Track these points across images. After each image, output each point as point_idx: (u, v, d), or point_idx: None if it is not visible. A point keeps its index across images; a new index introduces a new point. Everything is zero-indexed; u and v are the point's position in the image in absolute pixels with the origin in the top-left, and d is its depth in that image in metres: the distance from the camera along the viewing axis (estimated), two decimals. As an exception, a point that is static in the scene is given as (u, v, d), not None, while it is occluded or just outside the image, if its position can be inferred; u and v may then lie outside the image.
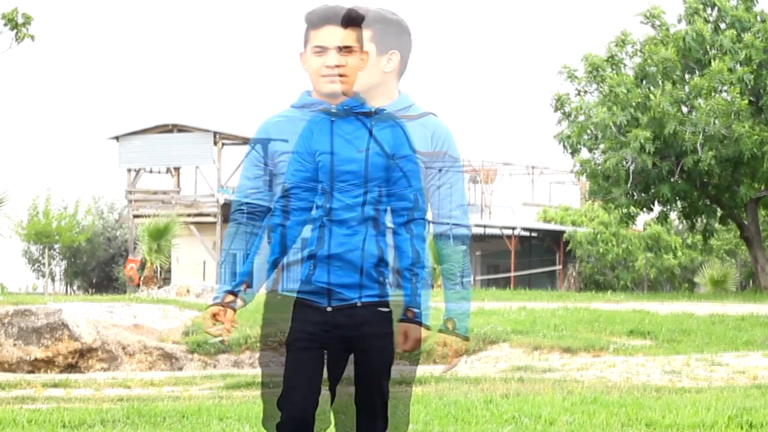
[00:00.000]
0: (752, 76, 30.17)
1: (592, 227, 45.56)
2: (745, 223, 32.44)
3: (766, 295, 29.53)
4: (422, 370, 13.11)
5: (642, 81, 31.10)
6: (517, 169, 54.55)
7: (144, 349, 17.87)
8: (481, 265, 50.04)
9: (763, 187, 31.87)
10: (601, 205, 35.64)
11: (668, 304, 24.50)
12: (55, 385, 12.52)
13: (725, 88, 30.15)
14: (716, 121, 29.33)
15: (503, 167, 53.96)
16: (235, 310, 4.20)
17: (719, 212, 32.93)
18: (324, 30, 4.44)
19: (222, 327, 4.22)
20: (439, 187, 4.31)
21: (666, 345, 16.70)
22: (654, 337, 17.42)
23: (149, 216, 38.52)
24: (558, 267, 47.71)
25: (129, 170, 46.53)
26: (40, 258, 51.84)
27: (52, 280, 53.28)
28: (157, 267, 33.38)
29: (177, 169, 47.08)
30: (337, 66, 4.37)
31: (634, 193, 31.36)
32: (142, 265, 35.21)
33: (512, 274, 45.80)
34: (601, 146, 30.93)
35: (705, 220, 33.99)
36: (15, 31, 17.14)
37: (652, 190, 31.33)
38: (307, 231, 4.20)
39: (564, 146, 31.71)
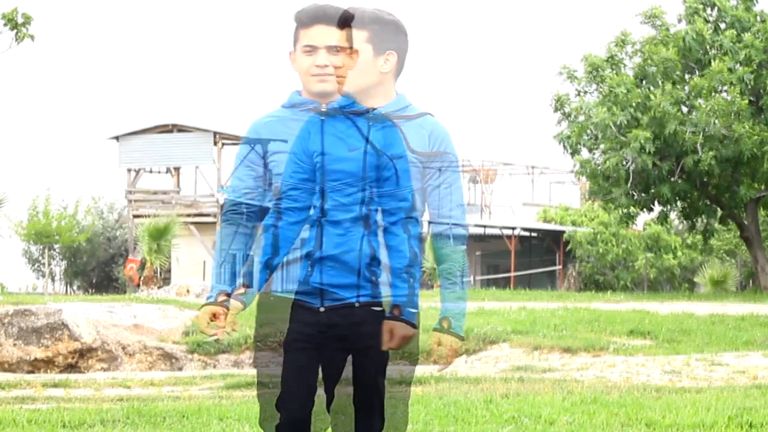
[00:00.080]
0: (752, 76, 30.16)
1: (592, 227, 45.56)
2: (745, 223, 32.44)
3: (766, 295, 29.53)
4: (422, 370, 13.12)
5: (642, 81, 31.10)
6: (517, 169, 54.57)
7: (144, 349, 17.87)
8: (481, 265, 50.03)
9: (763, 187, 31.86)
10: (601, 205, 35.64)
11: (668, 304, 24.50)
12: (55, 385, 12.52)
13: (725, 88, 30.15)
14: (716, 121, 29.33)
15: (503, 167, 53.97)
16: (228, 309, 4.21)
17: (719, 212, 32.92)
18: (314, 29, 4.44)
19: (219, 328, 4.23)
20: (436, 187, 4.32)
21: (666, 345, 16.70)
22: (654, 337, 17.42)
23: (149, 216, 38.53)
24: (558, 267, 47.71)
25: (129, 170, 46.54)
26: (40, 258, 51.85)
27: (52, 280, 53.29)
28: (157, 267, 33.37)
29: (177, 169, 47.09)
30: (327, 65, 4.38)
31: (634, 193, 31.35)
32: (142, 265, 35.20)
33: (512, 274, 45.80)
34: (601, 146, 30.93)
35: (705, 220, 33.99)
36: (15, 31, 17.14)
37: (652, 190, 31.32)
38: (305, 231, 4.21)
39: (564, 146, 31.72)
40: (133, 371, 16.49)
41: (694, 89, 30.09)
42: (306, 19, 4.45)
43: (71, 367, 17.19)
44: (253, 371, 4.67)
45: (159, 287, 29.98)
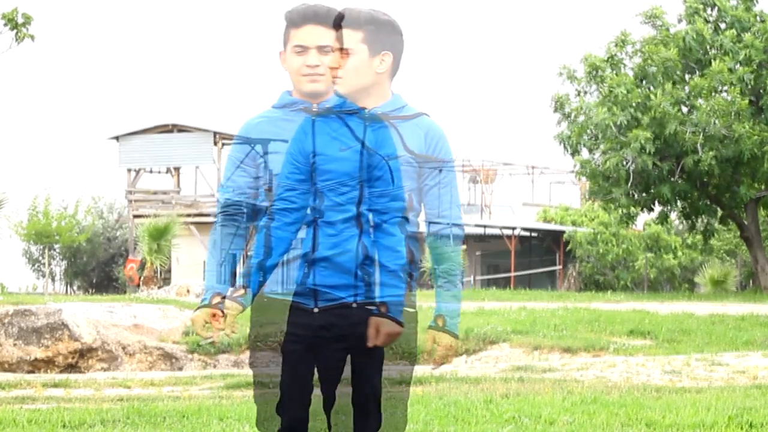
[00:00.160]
0: (752, 76, 30.16)
1: (592, 227, 45.55)
2: (745, 223, 32.43)
3: (766, 295, 29.53)
4: (422, 370, 13.12)
5: (642, 81, 31.09)
6: (517, 169, 54.57)
7: (144, 349, 17.87)
8: (481, 265, 50.03)
9: (763, 187, 31.86)
10: (601, 205, 35.63)
11: (668, 304, 24.50)
12: (55, 385, 12.52)
13: (725, 88, 30.14)
14: (716, 121, 29.32)
15: (503, 167, 53.97)
16: (222, 311, 4.22)
17: (719, 212, 32.92)
18: (305, 29, 4.43)
19: (215, 330, 4.24)
20: (433, 186, 4.32)
21: (666, 345, 16.70)
22: (654, 337, 17.42)
23: (149, 216, 38.53)
24: (558, 267, 47.70)
25: (129, 170, 46.55)
26: (40, 258, 51.84)
27: (52, 280, 53.27)
28: (157, 267, 33.38)
29: (177, 169, 47.10)
30: (318, 65, 4.38)
31: (635, 194, 31.34)
32: (142, 265, 35.21)
33: (512, 274, 45.80)
34: (601, 146, 30.92)
35: (705, 220, 33.98)
36: (15, 31, 17.14)
37: (653, 191, 31.31)
38: (302, 232, 4.21)
39: (564, 147, 31.72)
40: (133, 371, 16.49)
41: (695, 89, 30.08)
42: (296, 19, 4.44)
43: (71, 367, 17.19)
44: (251, 372, 4.67)
45: (159, 287, 29.98)
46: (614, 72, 31.34)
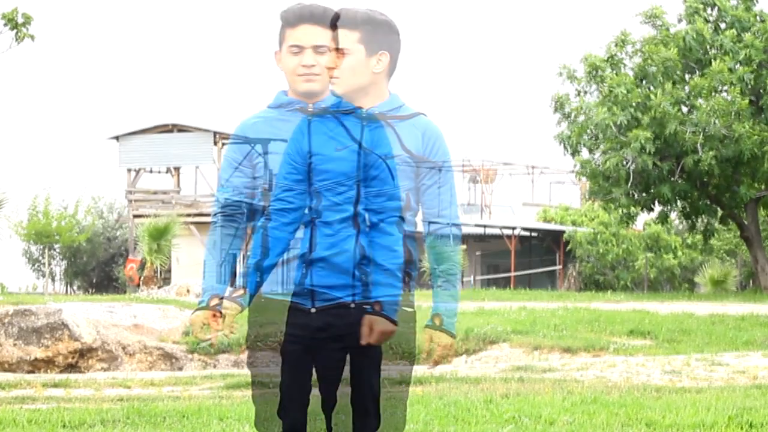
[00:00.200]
0: (752, 76, 30.15)
1: (592, 227, 45.55)
2: (745, 223, 32.43)
3: (766, 295, 29.52)
4: (422, 370, 13.12)
5: (642, 81, 31.09)
6: (517, 169, 54.58)
7: (144, 349, 17.87)
8: (481, 265, 50.03)
9: (763, 187, 31.85)
10: (602, 205, 35.62)
11: (668, 304, 24.50)
12: (55, 385, 12.51)
13: (725, 88, 30.14)
14: (717, 121, 29.32)
15: (503, 167, 53.98)
16: (220, 313, 4.22)
17: (719, 212, 32.91)
18: (300, 29, 4.42)
19: (214, 332, 4.25)
20: (430, 186, 4.33)
21: (666, 345, 16.70)
22: (654, 337, 17.42)
23: (149, 216, 38.53)
24: (558, 267, 47.70)
25: (129, 170, 46.55)
26: (40, 258, 51.84)
27: (52, 280, 53.27)
28: (157, 267, 33.37)
29: (177, 169, 47.10)
30: (314, 65, 4.37)
31: (635, 194, 31.34)
32: (142, 265, 35.20)
33: (512, 274, 45.80)
34: (602, 146, 30.92)
35: (705, 220, 33.98)
36: (15, 31, 17.13)
37: (653, 190, 31.31)
38: (300, 232, 4.22)
39: (564, 147, 31.71)
40: (133, 371, 16.49)
41: (695, 89, 30.07)
42: (292, 19, 4.44)
43: (71, 367, 17.19)
44: (252, 372, 4.67)
45: (159, 287, 29.98)
46: (614, 72, 31.33)
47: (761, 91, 30.80)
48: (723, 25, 31.56)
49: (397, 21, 4.33)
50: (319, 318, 4.16)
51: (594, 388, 10.76)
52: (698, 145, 29.47)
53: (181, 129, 46.16)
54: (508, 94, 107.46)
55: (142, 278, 33.65)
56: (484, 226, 48.69)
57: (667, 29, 31.52)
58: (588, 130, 31.06)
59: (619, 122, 29.84)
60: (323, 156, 4.17)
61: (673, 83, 30.36)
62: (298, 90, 4.47)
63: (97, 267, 53.12)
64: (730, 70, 29.98)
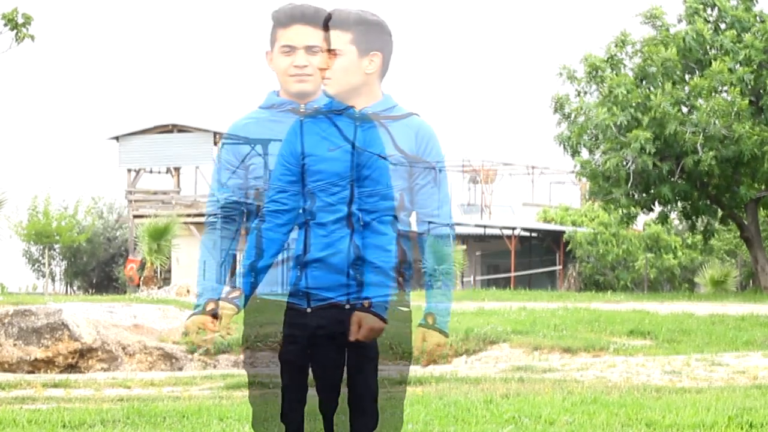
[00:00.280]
0: (752, 77, 30.15)
1: (592, 227, 45.55)
2: (745, 223, 32.43)
3: (766, 295, 29.52)
4: (422, 369, 13.11)
5: (642, 81, 31.09)
6: (517, 169, 54.58)
7: (144, 349, 17.87)
8: (481, 265, 50.04)
9: (763, 187, 31.86)
10: (602, 205, 35.62)
11: (668, 304, 24.50)
12: (55, 385, 12.51)
13: (725, 88, 30.14)
14: (717, 122, 29.31)
15: (503, 167, 53.97)
16: (217, 318, 4.23)
17: (719, 212, 32.91)
18: (292, 29, 4.42)
19: (211, 333, 4.26)
20: (424, 186, 4.33)
21: (666, 345, 16.69)
22: (654, 337, 17.42)
23: (149, 216, 38.52)
24: (558, 267, 47.71)
25: (129, 170, 46.55)
26: (40, 258, 51.85)
27: (52, 280, 53.29)
28: (157, 267, 33.37)
29: (177, 169, 47.10)
30: (306, 66, 4.37)
31: (635, 194, 31.34)
32: (142, 265, 35.20)
33: (512, 274, 45.80)
34: (602, 147, 30.92)
35: (705, 221, 33.98)
36: (15, 31, 17.13)
37: (653, 191, 31.31)
38: (294, 233, 4.23)
39: (564, 147, 31.71)
40: (133, 371, 16.49)
41: (695, 89, 30.07)
42: (284, 19, 4.43)
43: (71, 367, 17.18)
44: (253, 371, 4.67)
45: (159, 287, 29.99)
46: (614, 72, 31.33)
47: (761, 91, 30.80)
48: (723, 26, 31.56)
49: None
50: (316, 318, 4.16)
51: (594, 388, 10.76)
52: (698, 145, 29.47)
53: (181, 129, 46.16)
54: (508, 94, 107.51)
55: (142, 278, 33.65)
56: (484, 226, 48.69)
57: (667, 29, 31.52)
58: (588, 131, 31.06)
59: (619, 122, 29.84)
60: (316, 157, 4.17)
61: (673, 84, 30.36)
62: (290, 90, 4.46)
63: (97, 267, 53.13)
64: (730, 70, 29.98)
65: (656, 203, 32.27)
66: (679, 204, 32.54)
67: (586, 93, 31.87)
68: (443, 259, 4.32)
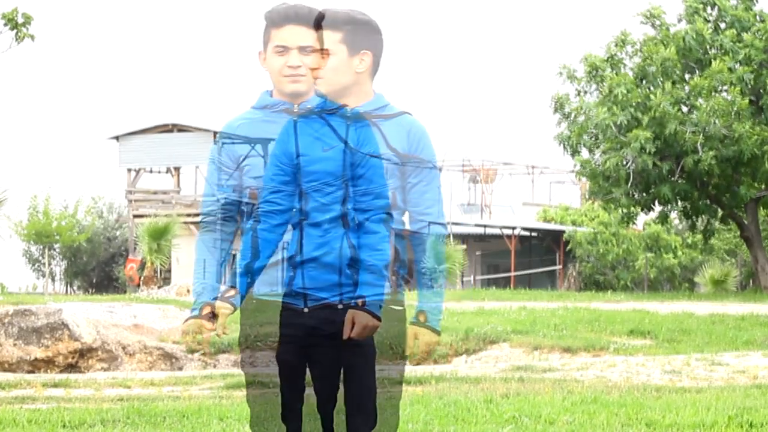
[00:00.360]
0: (752, 76, 30.15)
1: (592, 227, 45.55)
2: (746, 222, 32.44)
3: (766, 295, 29.52)
4: (422, 369, 13.11)
5: (642, 81, 31.09)
6: (517, 169, 54.57)
7: (144, 349, 17.85)
8: (481, 265, 50.04)
9: (763, 187, 31.86)
10: (602, 205, 35.63)
11: (668, 303, 24.49)
12: (55, 385, 12.51)
13: (725, 87, 30.14)
14: (717, 121, 29.32)
15: (503, 167, 53.97)
16: (213, 323, 4.25)
17: (719, 212, 32.92)
18: (285, 29, 4.41)
19: (207, 333, 4.27)
20: (416, 184, 4.33)
21: (666, 345, 16.69)
22: (654, 336, 17.42)
23: (149, 216, 38.52)
24: (558, 267, 47.71)
25: (129, 170, 46.56)
26: (40, 258, 51.85)
27: (52, 280, 53.29)
28: (157, 267, 33.37)
29: (177, 169, 47.11)
30: (299, 66, 4.36)
31: (635, 194, 31.34)
32: (142, 265, 35.21)
33: (512, 273, 45.80)
34: (602, 147, 30.92)
35: (705, 220, 33.98)
36: (15, 31, 17.13)
37: (653, 190, 31.31)
38: (288, 234, 4.23)
39: (564, 147, 31.72)
40: (133, 371, 16.48)
41: (695, 89, 30.07)
42: (277, 19, 4.42)
43: (71, 367, 17.17)
44: (253, 371, 4.67)
45: (159, 287, 29.99)
46: (614, 72, 31.33)
47: (761, 91, 30.80)
48: (723, 25, 31.56)
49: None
50: (312, 318, 4.17)
51: (594, 388, 10.76)
52: (698, 145, 29.47)
53: (181, 129, 46.16)
54: (508, 94, 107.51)
55: (142, 278, 33.65)
56: (484, 226, 48.69)
57: (667, 29, 31.53)
58: (588, 131, 31.06)
59: (619, 122, 29.84)
60: (310, 157, 4.17)
61: (673, 83, 30.37)
62: (284, 91, 4.45)
63: (97, 267, 53.13)
64: (730, 70, 29.99)
65: (656, 203, 32.27)
66: (679, 204, 32.54)
67: (586, 93, 31.88)
68: (435, 258, 4.32)
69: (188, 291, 25.16)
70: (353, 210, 4.15)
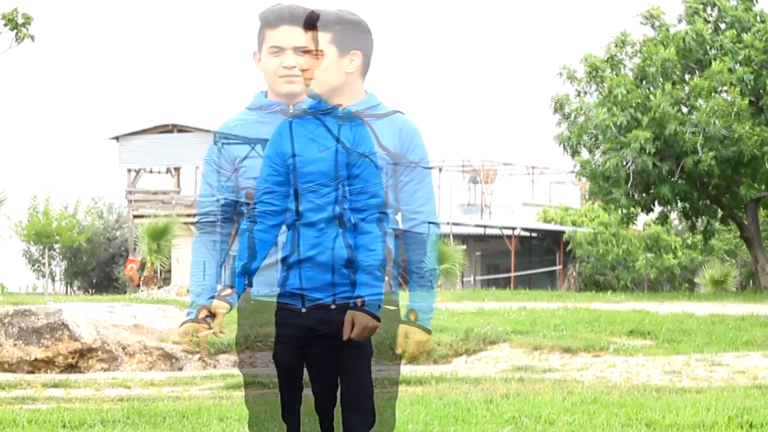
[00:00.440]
0: (752, 77, 30.15)
1: (592, 227, 45.55)
2: (746, 223, 32.44)
3: (766, 295, 29.53)
4: (422, 370, 13.12)
5: (642, 81, 31.09)
6: (517, 169, 54.57)
7: (144, 349, 17.85)
8: (481, 265, 50.04)
9: (763, 188, 31.87)
10: (602, 205, 35.64)
11: (668, 304, 24.49)
12: (55, 385, 12.51)
13: (725, 88, 30.14)
14: (716, 122, 29.32)
15: (503, 167, 53.96)
16: (209, 326, 4.25)
17: (719, 212, 32.92)
18: (280, 30, 4.40)
19: (204, 332, 4.28)
20: (407, 183, 4.33)
21: (666, 345, 16.70)
22: (654, 337, 17.42)
23: (149, 216, 38.52)
24: (558, 267, 47.71)
25: (129, 170, 46.56)
26: (40, 258, 51.84)
27: (52, 280, 53.29)
28: (157, 267, 33.36)
29: (177, 169, 47.11)
30: (294, 66, 4.36)
31: (635, 194, 31.35)
32: (142, 265, 35.21)
33: (512, 274, 45.80)
34: (601, 147, 30.93)
35: (705, 221, 33.98)
36: (15, 31, 17.12)
37: (653, 191, 31.32)
38: (282, 235, 4.23)
39: (564, 148, 31.72)
40: (133, 371, 16.48)
41: (694, 90, 30.08)
42: (272, 19, 4.41)
43: (71, 368, 17.17)
44: (253, 371, 4.68)
45: (159, 287, 29.99)
46: (614, 72, 31.34)
47: (761, 91, 30.80)
48: (723, 26, 31.56)
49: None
50: (309, 318, 4.17)
51: (594, 388, 10.76)
52: (698, 145, 29.47)
53: (181, 129, 46.16)
54: (508, 94, 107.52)
55: (142, 278, 33.64)
56: (484, 226, 48.69)
57: (667, 30, 31.53)
58: (588, 131, 31.06)
59: (618, 123, 29.85)
60: (306, 157, 4.17)
61: (673, 84, 30.38)
62: (279, 92, 4.45)
63: (97, 267, 53.13)
64: (729, 70, 29.99)
65: (656, 203, 32.27)
66: (679, 204, 32.54)
67: (586, 93, 31.88)
68: (427, 257, 4.32)
69: (188, 291, 25.17)
70: (348, 210, 4.15)
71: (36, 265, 52.90)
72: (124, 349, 17.78)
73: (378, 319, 4.09)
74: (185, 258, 41.94)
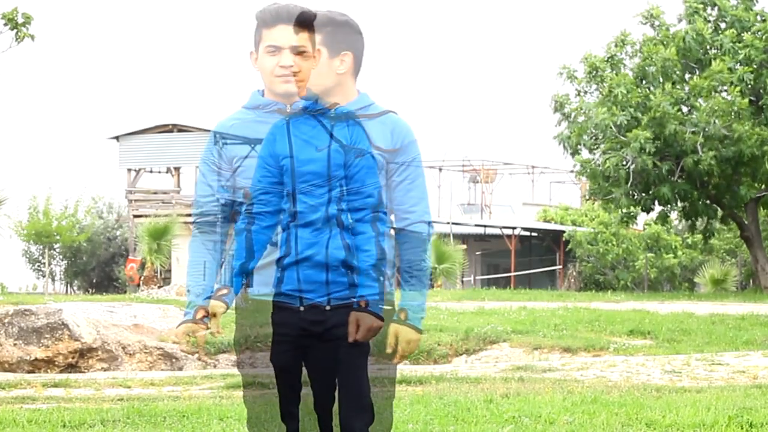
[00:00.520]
0: (752, 76, 30.16)
1: (592, 227, 45.55)
2: (746, 222, 32.44)
3: (766, 295, 29.52)
4: (422, 369, 13.11)
5: (642, 81, 31.10)
6: (517, 169, 54.58)
7: (144, 349, 17.85)
8: (481, 265, 50.04)
9: (763, 187, 31.87)
10: (602, 205, 35.64)
11: (668, 303, 24.49)
12: (55, 385, 12.50)
13: (725, 87, 30.14)
14: (716, 121, 29.32)
15: (503, 167, 53.97)
16: (207, 326, 4.26)
17: (719, 212, 32.92)
18: (277, 29, 4.39)
19: (202, 332, 4.28)
20: (400, 183, 4.32)
21: (666, 345, 16.69)
22: (654, 336, 17.42)
23: (149, 216, 38.52)
24: (558, 267, 47.71)
25: (129, 170, 46.55)
26: (40, 258, 51.84)
27: (52, 280, 53.29)
28: (157, 267, 33.37)
29: (177, 169, 47.11)
30: (292, 66, 4.36)
31: (635, 194, 31.35)
32: (142, 265, 35.21)
33: (512, 273, 45.80)
34: (601, 147, 30.93)
35: (705, 220, 33.99)
36: (15, 31, 17.13)
37: (653, 191, 31.32)
38: (278, 235, 4.23)
39: (564, 147, 31.72)
40: (134, 371, 16.48)
41: (694, 89, 30.08)
42: (269, 19, 4.41)
43: (71, 367, 17.17)
44: (253, 371, 4.68)
45: (159, 287, 30.00)
46: (614, 72, 31.34)
47: (761, 91, 30.79)
48: (723, 25, 31.57)
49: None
50: (307, 317, 4.17)
51: (594, 388, 10.75)
52: (698, 145, 29.47)
53: (181, 129, 46.17)
54: (508, 94, 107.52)
55: (142, 278, 33.65)
56: (484, 226, 48.70)
57: (667, 29, 31.53)
58: (588, 131, 31.06)
59: (618, 122, 29.85)
60: (303, 157, 4.17)
61: (673, 83, 30.38)
62: (276, 91, 4.44)
63: (97, 267, 53.13)
64: (729, 70, 29.99)
65: (656, 203, 32.27)
66: (679, 204, 32.54)
67: (586, 93, 31.89)
68: (420, 256, 4.32)
69: (187, 291, 25.16)
70: (344, 210, 4.15)
71: (36, 265, 52.89)
72: (124, 348, 17.78)
73: (382, 319, 4.10)
74: (185, 258, 41.91)
